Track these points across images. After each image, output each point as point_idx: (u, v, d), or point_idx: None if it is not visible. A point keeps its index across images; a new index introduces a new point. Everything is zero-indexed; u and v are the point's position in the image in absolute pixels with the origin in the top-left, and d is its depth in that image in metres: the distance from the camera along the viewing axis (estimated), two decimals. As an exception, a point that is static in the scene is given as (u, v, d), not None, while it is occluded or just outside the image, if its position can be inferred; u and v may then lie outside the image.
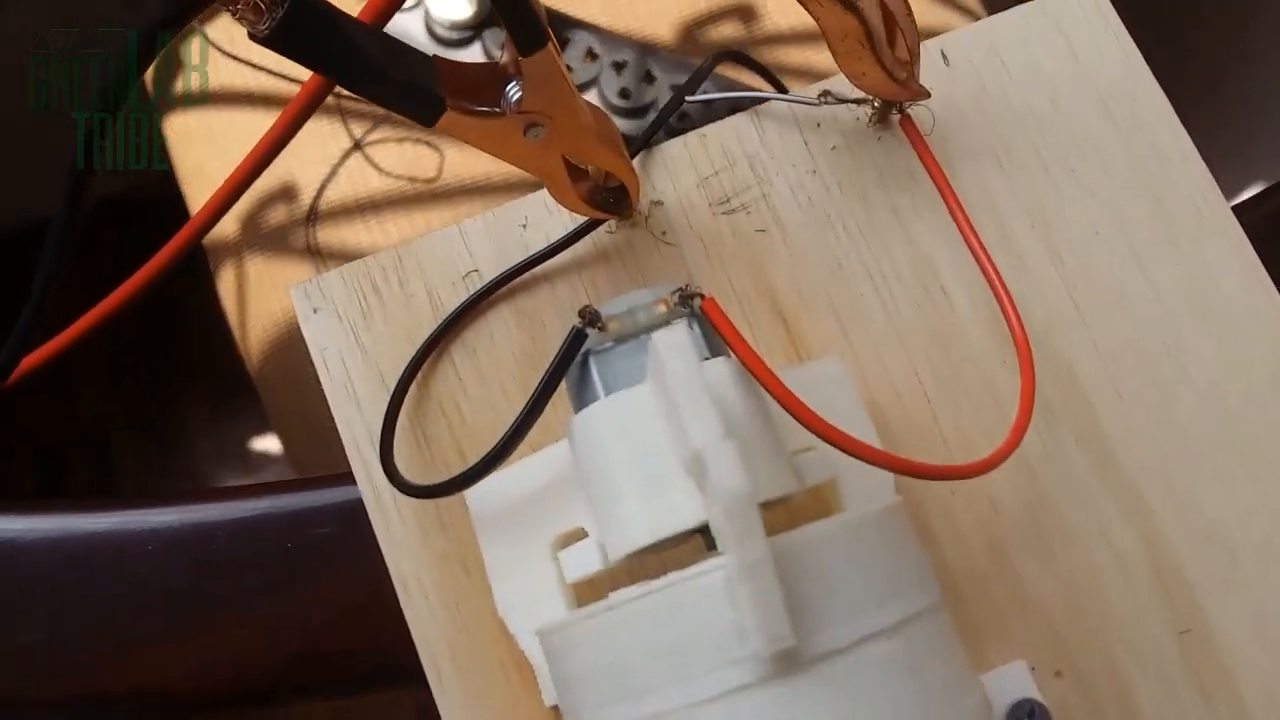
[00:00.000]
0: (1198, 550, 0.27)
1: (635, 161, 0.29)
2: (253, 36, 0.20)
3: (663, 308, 0.22)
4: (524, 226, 0.28)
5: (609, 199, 0.27)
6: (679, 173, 0.29)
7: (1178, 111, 0.30)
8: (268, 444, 1.19)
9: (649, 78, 0.70)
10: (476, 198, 0.73)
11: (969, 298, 0.28)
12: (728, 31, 0.76)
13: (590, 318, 0.22)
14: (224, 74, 0.76)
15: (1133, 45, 0.30)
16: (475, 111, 0.23)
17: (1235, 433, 0.27)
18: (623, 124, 0.72)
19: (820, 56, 0.73)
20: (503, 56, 0.23)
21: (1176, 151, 0.29)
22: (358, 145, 0.72)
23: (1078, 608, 0.26)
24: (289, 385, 0.75)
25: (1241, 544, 0.27)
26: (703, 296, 0.22)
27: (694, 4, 0.75)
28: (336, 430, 0.71)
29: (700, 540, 0.21)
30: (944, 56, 0.30)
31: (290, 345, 0.75)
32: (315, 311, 0.28)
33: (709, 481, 0.18)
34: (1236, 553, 0.27)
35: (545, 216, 0.28)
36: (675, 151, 0.29)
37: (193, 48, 0.78)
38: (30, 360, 0.30)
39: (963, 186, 0.28)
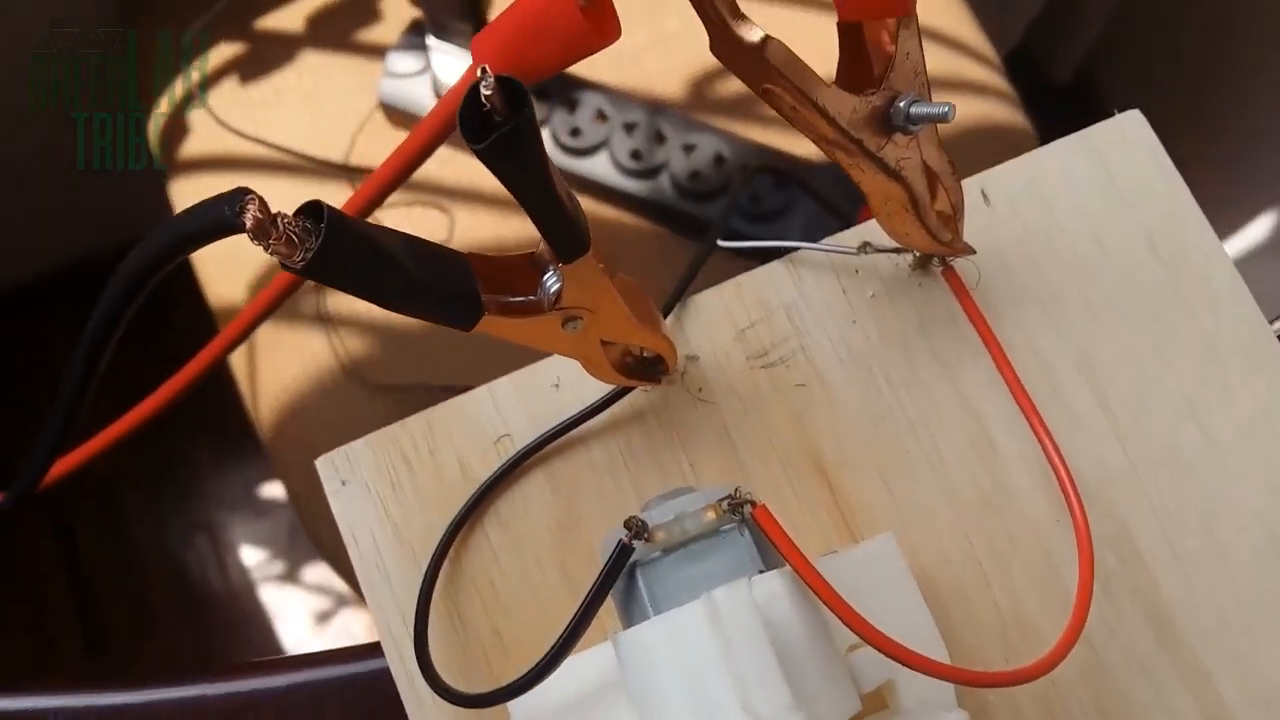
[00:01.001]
0: (1257, 717, 0.26)
1: (670, 318, 0.28)
2: (287, 268, 0.18)
3: (712, 515, 0.21)
4: (556, 387, 0.27)
5: (644, 366, 0.26)
6: (715, 325, 0.28)
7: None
8: (275, 490, 1.19)
9: (659, 138, 0.69)
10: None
11: (1019, 452, 0.27)
12: (736, 86, 0.75)
13: (636, 529, 0.21)
14: (229, 141, 0.75)
15: (1178, 178, 0.29)
16: (513, 309, 0.22)
17: (1298, 591, 0.26)
18: (635, 185, 0.71)
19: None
20: (540, 245, 0.22)
21: (1226, 289, 0.28)
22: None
23: (1140, 783, 0.25)
24: (300, 450, 0.74)
25: (1309, 709, 0.26)
26: (754, 504, 0.21)
27: (701, 60, 0.74)
28: None
29: None
30: (984, 196, 0.29)
31: (301, 411, 0.74)
32: (344, 484, 0.27)
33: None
34: (1303, 717, 0.26)
35: (578, 378, 0.27)
36: (710, 302, 0.28)
37: (194, 116, 0.77)
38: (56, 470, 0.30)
39: (1007, 333, 0.27)
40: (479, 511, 0.27)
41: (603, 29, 0.21)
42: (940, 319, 0.28)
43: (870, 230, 0.28)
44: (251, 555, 1.17)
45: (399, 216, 0.71)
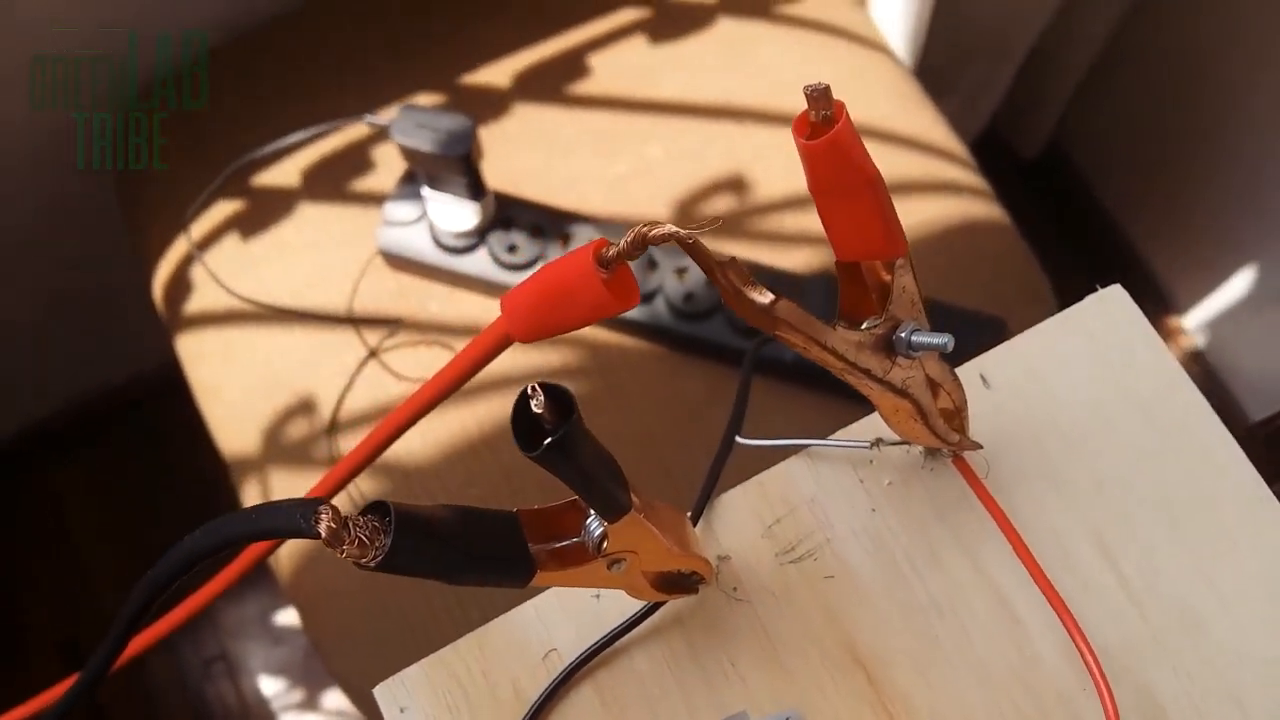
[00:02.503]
0: None
1: (700, 525, 0.29)
2: (360, 566, 0.20)
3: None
4: (597, 598, 0.29)
5: (682, 580, 0.27)
6: (742, 524, 0.30)
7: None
8: (290, 617, 1.18)
9: (652, 264, 0.72)
10: (494, 394, 0.74)
11: (1042, 624, 0.28)
12: (722, 205, 0.77)
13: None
14: (231, 298, 0.77)
15: (1164, 347, 0.31)
16: (562, 557, 0.23)
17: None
18: (633, 311, 0.73)
19: (813, 220, 0.74)
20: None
21: (1222, 450, 0.30)
22: (373, 354, 0.73)
23: None
24: (321, 596, 0.74)
25: None
26: (804, 733, 0.22)
27: (687, 182, 0.77)
28: (366, 634, 0.71)
29: None
30: (984, 379, 0.30)
31: (319, 559, 0.75)
32: (402, 711, 0.28)
33: None
34: None
35: (618, 586, 0.29)
36: (736, 502, 0.30)
37: (197, 272, 0.79)
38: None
39: (1018, 511, 0.29)
40: (534, 729, 0.28)
41: (622, 298, 0.22)
42: (955, 501, 0.29)
43: (880, 424, 0.29)
44: (269, 684, 1.16)
45: (406, 356, 0.73)
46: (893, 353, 0.25)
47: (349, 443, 0.74)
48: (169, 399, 1.17)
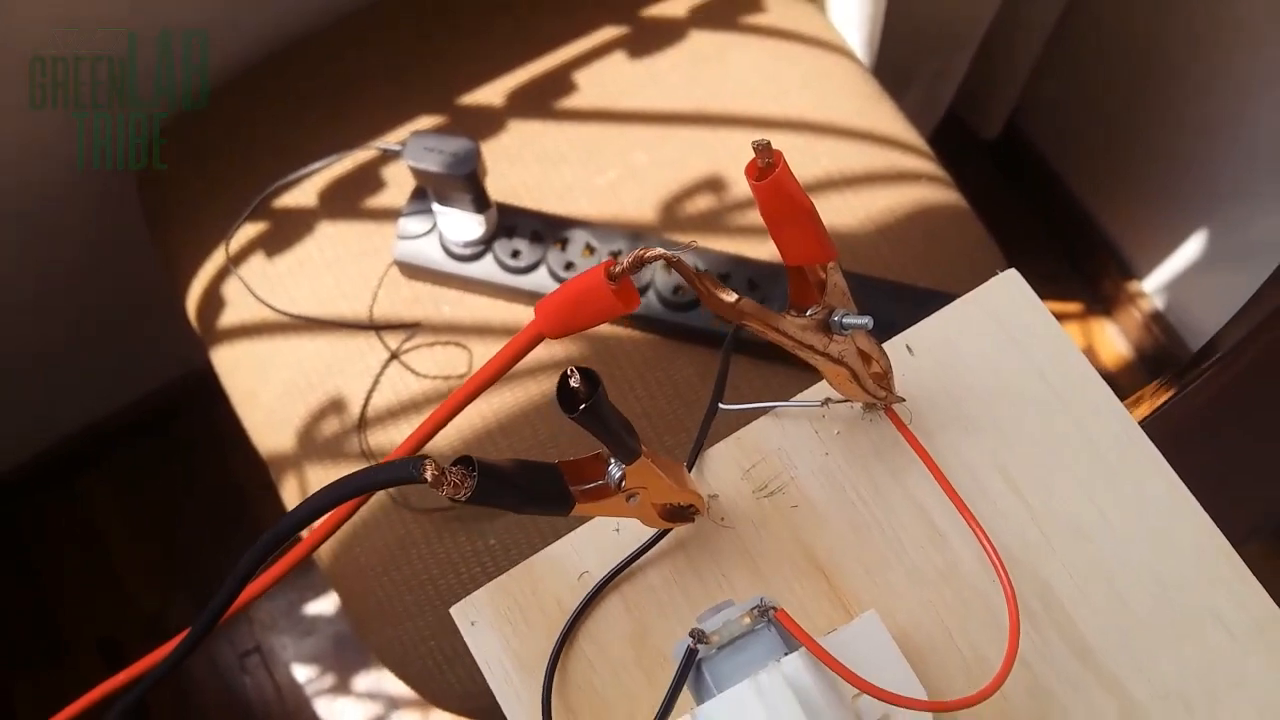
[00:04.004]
0: (1161, 706, 0.36)
1: (694, 469, 0.38)
2: (455, 501, 0.29)
3: (747, 620, 0.32)
4: (617, 531, 0.38)
5: (682, 512, 0.36)
6: (726, 470, 0.39)
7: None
8: (320, 606, 1.27)
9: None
10: (506, 386, 0.83)
11: (960, 537, 0.38)
12: (702, 204, 0.86)
13: (698, 637, 0.31)
14: (265, 311, 0.86)
15: (1054, 321, 0.40)
16: (591, 494, 0.32)
17: (1175, 609, 0.37)
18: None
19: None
20: (603, 448, 0.33)
21: (1104, 404, 0.39)
22: (394, 355, 0.82)
23: (1079, 767, 0.36)
24: (359, 576, 0.83)
25: (1192, 694, 0.36)
26: (775, 609, 0.31)
27: (669, 185, 0.86)
28: (402, 606, 0.81)
29: None
30: (909, 349, 0.39)
31: (355, 542, 0.84)
32: (473, 624, 0.37)
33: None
34: (1190, 702, 0.36)
35: (633, 522, 0.38)
36: (720, 453, 0.39)
37: (229, 290, 0.87)
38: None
39: (938, 450, 0.38)
40: (574, 633, 0.37)
41: (626, 301, 0.31)
42: (889, 443, 0.39)
43: (828, 388, 0.38)
44: (303, 672, 1.25)
45: (424, 356, 0.82)
46: (830, 332, 0.34)
47: (377, 437, 0.83)
48: (193, 409, 1.26)
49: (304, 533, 0.39)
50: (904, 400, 0.37)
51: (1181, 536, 0.37)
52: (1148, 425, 0.39)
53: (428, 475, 0.28)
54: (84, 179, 0.95)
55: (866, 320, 0.33)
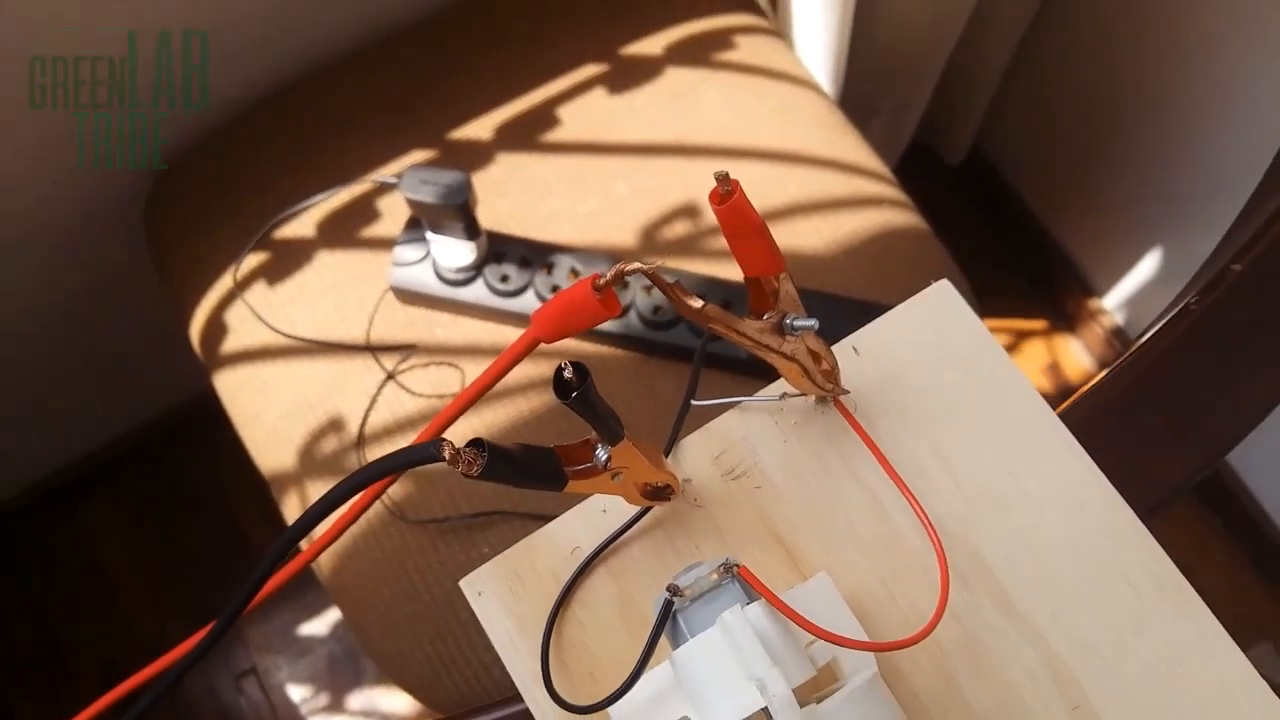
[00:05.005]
0: (1077, 653, 0.43)
1: (670, 458, 0.45)
2: (468, 476, 0.35)
3: (715, 576, 0.38)
4: (604, 511, 0.44)
5: (659, 492, 0.43)
6: (698, 456, 0.45)
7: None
8: (314, 627, 1.33)
9: (624, 283, 0.87)
10: (497, 404, 0.89)
11: (901, 511, 0.44)
12: (679, 229, 0.94)
13: (674, 591, 0.38)
14: (266, 336, 0.92)
15: (979, 323, 0.47)
16: (582, 474, 0.39)
17: (1087, 570, 0.43)
18: (610, 324, 0.89)
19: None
20: (592, 434, 0.39)
21: (1022, 394, 0.46)
22: (391, 376, 0.89)
23: (1007, 708, 0.42)
24: (358, 587, 0.89)
25: (1102, 642, 0.43)
26: (739, 566, 0.38)
27: (648, 212, 0.93)
28: (401, 615, 0.88)
29: (762, 715, 0.37)
30: (855, 350, 0.46)
31: (354, 554, 0.90)
32: (480, 594, 0.43)
33: (767, 690, 0.34)
34: (1100, 649, 0.43)
35: (617, 504, 0.44)
36: (693, 443, 0.45)
37: (233, 316, 0.94)
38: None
39: (880, 435, 0.45)
40: (568, 600, 0.43)
41: (609, 308, 0.38)
42: (838, 431, 0.45)
43: (785, 384, 0.45)
44: (298, 692, 1.30)
45: (419, 376, 0.88)
46: (784, 333, 0.40)
47: (375, 453, 0.89)
48: (189, 436, 1.32)
49: (308, 535, 0.45)
50: (849, 393, 0.44)
51: (1092, 506, 0.44)
52: (1069, 411, 0.46)
53: (446, 454, 0.35)
54: (86, 208, 0.98)
55: (813, 322, 0.39)
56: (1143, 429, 0.49)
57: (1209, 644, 0.42)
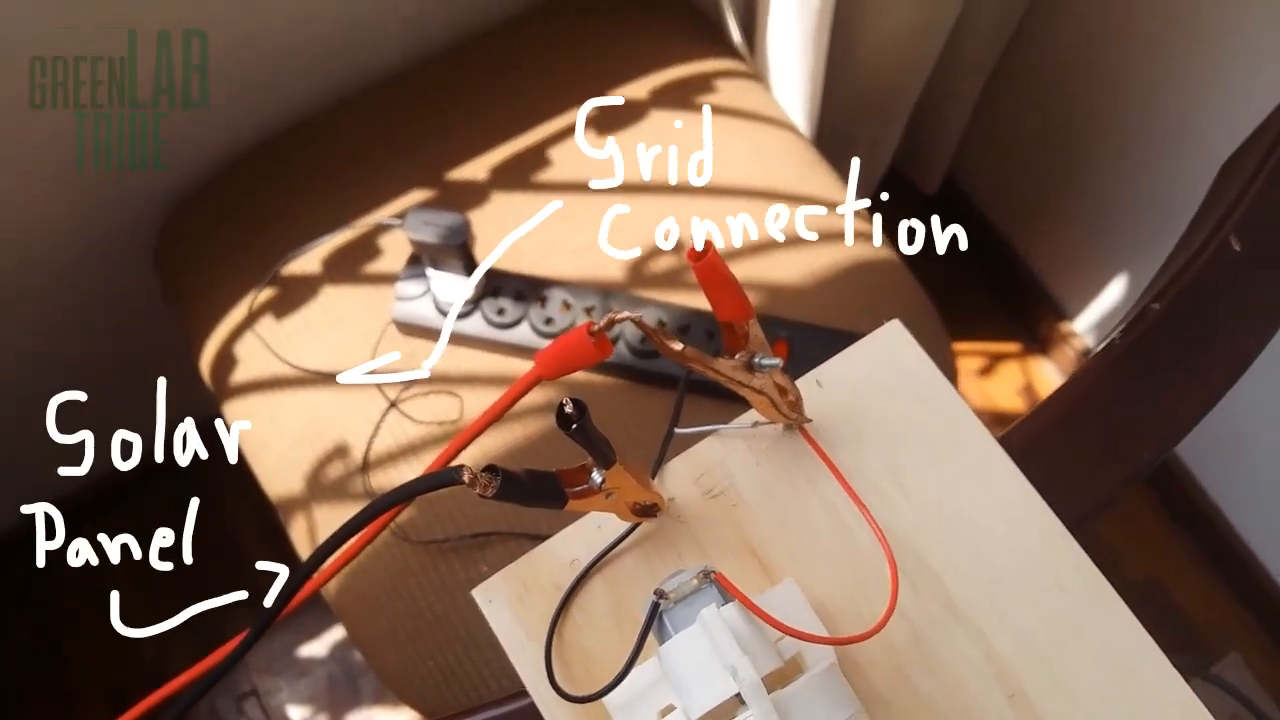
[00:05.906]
0: (1017, 649, 0.50)
1: (656, 479, 0.52)
2: (483, 497, 0.42)
3: (695, 582, 0.45)
4: (599, 527, 0.51)
5: (647, 509, 0.50)
6: (681, 479, 0.52)
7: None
8: (313, 649, 1.39)
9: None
10: (492, 430, 0.96)
11: (861, 527, 0.51)
12: (665, 264, 1.01)
13: (660, 595, 0.45)
14: (274, 368, 0.99)
15: (927, 359, 0.54)
16: (580, 495, 0.46)
17: (1025, 578, 0.50)
18: (599, 355, 0.95)
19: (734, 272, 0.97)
20: (588, 459, 0.46)
21: (964, 420, 0.53)
22: (393, 404, 0.95)
23: (952, 697, 0.49)
24: (363, 605, 0.96)
25: (1041, 643, 0.50)
26: (716, 573, 0.45)
27: (635, 246, 1.00)
28: (403, 632, 0.95)
29: (736, 701, 0.43)
30: (819, 383, 0.53)
31: (361, 574, 0.96)
32: (490, 602, 0.50)
33: (739, 676, 0.41)
34: (1039, 649, 0.50)
35: (610, 520, 0.51)
36: (676, 467, 0.53)
37: (242, 349, 1.00)
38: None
39: (842, 460, 0.52)
40: (568, 605, 0.50)
41: (602, 350, 0.45)
42: (804, 455, 0.52)
43: (756, 414, 0.52)
44: (298, 712, 1.36)
45: (420, 405, 0.95)
46: (753, 370, 0.48)
47: (379, 479, 0.96)
48: (190, 465, 1.38)
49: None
50: (812, 421, 0.51)
51: (1027, 518, 0.51)
52: (1009, 435, 0.53)
53: (466, 478, 0.42)
54: (96, 244, 1.02)
55: (778, 361, 0.47)
56: (1073, 450, 0.56)
57: (1127, 637, 0.49)
